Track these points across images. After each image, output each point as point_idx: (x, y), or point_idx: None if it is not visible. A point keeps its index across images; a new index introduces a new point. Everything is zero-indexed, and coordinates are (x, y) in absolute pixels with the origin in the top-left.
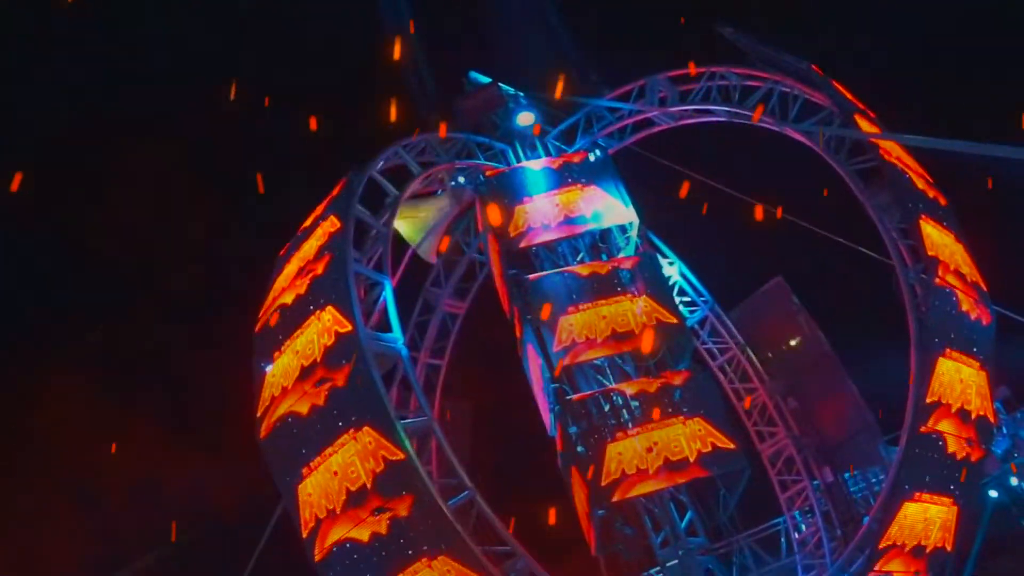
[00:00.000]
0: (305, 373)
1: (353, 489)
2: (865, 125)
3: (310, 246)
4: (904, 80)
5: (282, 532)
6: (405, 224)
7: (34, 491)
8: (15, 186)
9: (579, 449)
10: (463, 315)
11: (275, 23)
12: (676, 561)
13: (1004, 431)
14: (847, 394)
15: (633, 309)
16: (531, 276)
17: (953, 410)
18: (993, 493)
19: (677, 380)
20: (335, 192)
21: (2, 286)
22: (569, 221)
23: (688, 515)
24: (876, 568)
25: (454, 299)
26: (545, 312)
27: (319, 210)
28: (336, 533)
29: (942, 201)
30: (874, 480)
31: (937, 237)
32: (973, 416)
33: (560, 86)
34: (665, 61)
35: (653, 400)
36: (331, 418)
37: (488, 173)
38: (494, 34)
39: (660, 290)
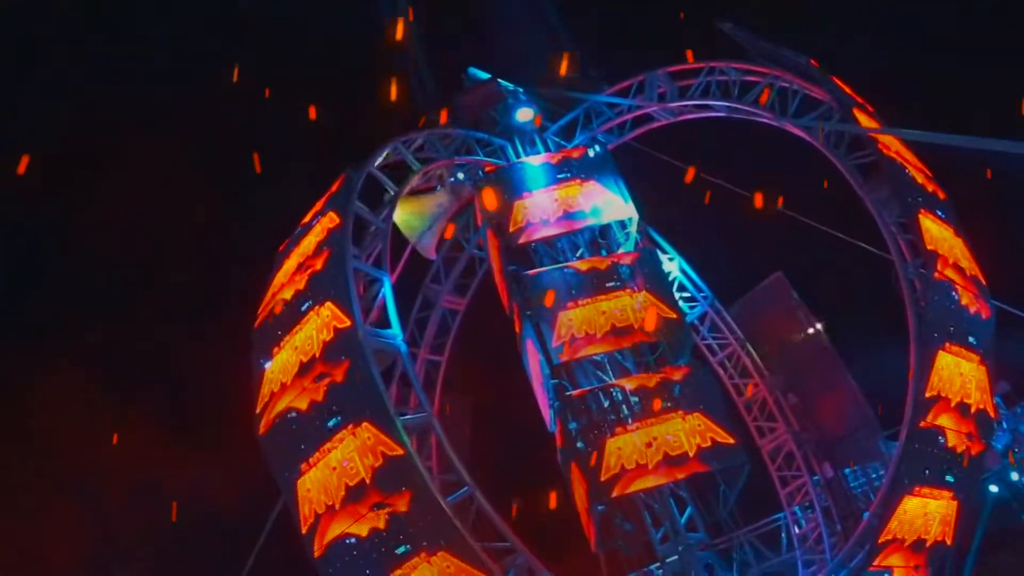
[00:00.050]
0: (304, 369)
1: (352, 485)
2: (864, 120)
3: (309, 242)
4: (904, 79)
5: (282, 528)
6: (404, 220)
7: (34, 491)
8: (22, 168)
9: (579, 445)
10: (463, 311)
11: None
12: (676, 557)
13: (1004, 426)
14: (847, 389)
15: (632, 304)
16: (530, 272)
17: (953, 404)
18: (993, 488)
19: (676, 375)
20: (334, 188)
21: (2, 286)
22: (568, 216)
23: (688, 511)
24: (876, 563)
25: (454, 295)
26: (549, 299)
27: (318, 206)
28: (335, 529)
29: (941, 195)
30: (874, 475)
31: (936, 231)
32: (973, 410)
33: (564, 65)
34: (664, 57)
35: (652, 395)
36: (330, 414)
37: (487, 169)
38: (493, 30)
39: (660, 285)
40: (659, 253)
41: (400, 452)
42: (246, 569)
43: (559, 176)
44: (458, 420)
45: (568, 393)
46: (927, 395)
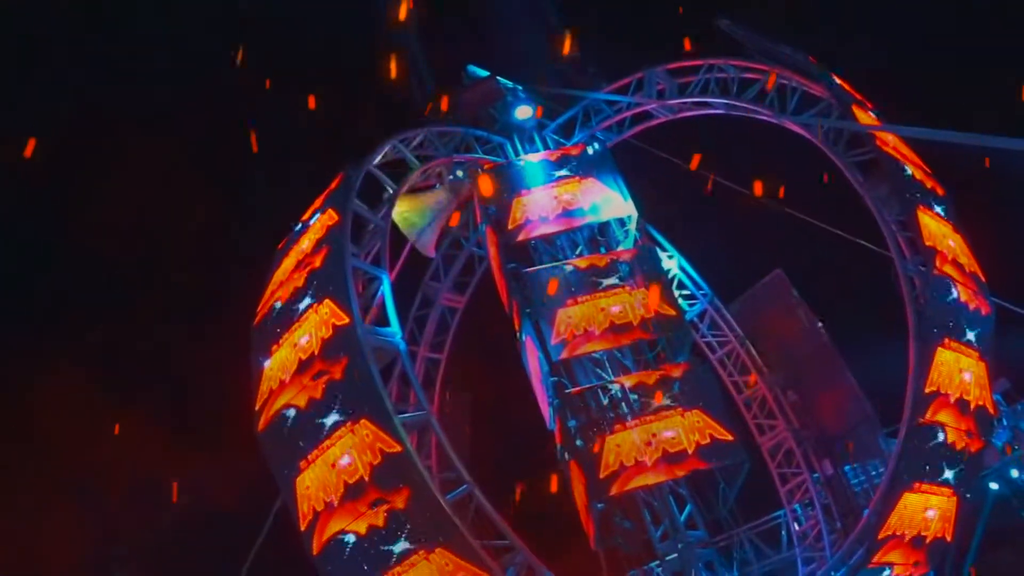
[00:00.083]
0: (303, 366)
1: (351, 482)
2: (863, 116)
3: (308, 240)
4: (904, 79)
5: (281, 526)
6: (403, 218)
7: (34, 491)
8: (29, 151)
9: (578, 442)
10: (462, 309)
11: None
12: (675, 555)
13: (1004, 423)
14: (846, 386)
15: (632, 302)
16: (529, 269)
17: (952, 400)
18: (994, 485)
19: (676, 372)
20: (333, 186)
21: (2, 286)
22: (567, 214)
23: (688, 508)
24: (876, 559)
25: (453, 293)
26: (548, 295)
27: (317, 204)
28: (334, 526)
29: (940, 191)
30: (874, 473)
31: (935, 227)
32: (972, 406)
33: (567, 43)
34: (663, 55)
35: (652, 392)
36: (329, 411)
37: (486, 167)
38: (493, 29)
39: (659, 283)
40: (658, 251)
41: (398, 449)
42: (245, 567)
43: (558, 174)
44: (457, 418)
45: (567, 391)
46: (926, 391)
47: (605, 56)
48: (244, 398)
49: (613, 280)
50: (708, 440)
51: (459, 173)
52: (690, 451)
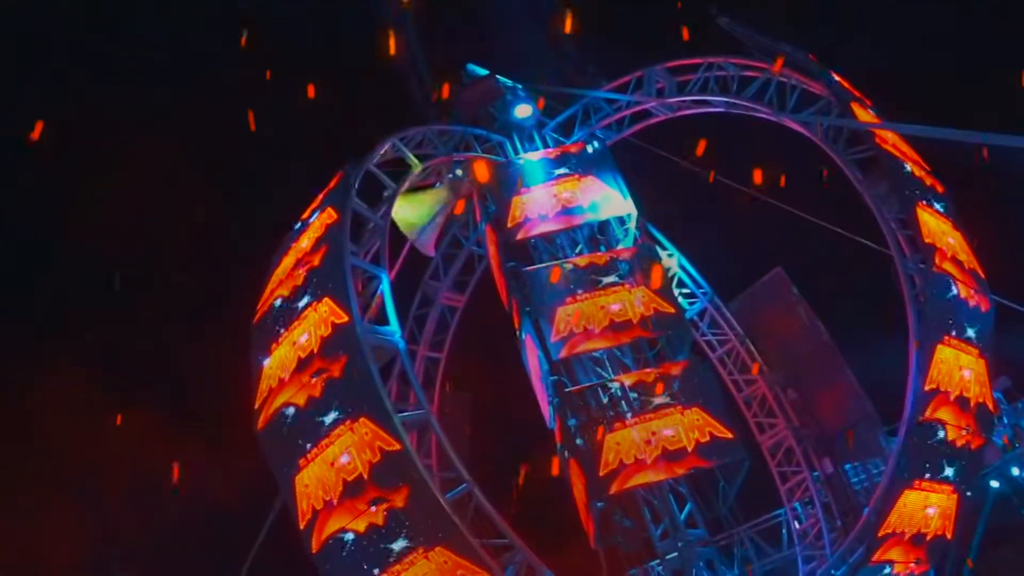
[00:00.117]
0: (302, 365)
1: (350, 480)
2: (862, 114)
3: (307, 238)
4: (904, 79)
5: (280, 524)
6: (402, 216)
7: (34, 491)
8: (35, 134)
9: (578, 441)
10: (462, 308)
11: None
12: (676, 553)
13: (1005, 421)
14: (846, 384)
15: (631, 300)
16: (529, 268)
17: (952, 398)
18: (994, 483)
19: (675, 370)
20: (332, 185)
21: (2, 286)
22: (567, 212)
23: (688, 507)
24: (876, 557)
25: (453, 292)
26: (548, 293)
27: (316, 202)
28: (333, 524)
29: (940, 189)
30: (874, 471)
31: (934, 224)
32: (972, 404)
33: (569, 23)
34: (663, 53)
35: (651, 390)
36: (328, 409)
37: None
38: (492, 28)
39: (659, 281)
40: (658, 249)
41: (398, 447)
42: (245, 566)
43: (557, 172)
44: (457, 417)
45: (567, 389)
46: (926, 388)
47: (605, 54)
48: (244, 397)
49: (613, 278)
50: (708, 438)
51: (458, 172)
52: (690, 449)
